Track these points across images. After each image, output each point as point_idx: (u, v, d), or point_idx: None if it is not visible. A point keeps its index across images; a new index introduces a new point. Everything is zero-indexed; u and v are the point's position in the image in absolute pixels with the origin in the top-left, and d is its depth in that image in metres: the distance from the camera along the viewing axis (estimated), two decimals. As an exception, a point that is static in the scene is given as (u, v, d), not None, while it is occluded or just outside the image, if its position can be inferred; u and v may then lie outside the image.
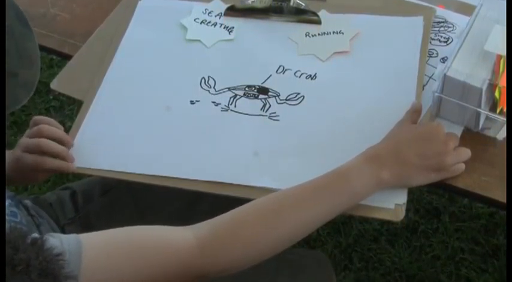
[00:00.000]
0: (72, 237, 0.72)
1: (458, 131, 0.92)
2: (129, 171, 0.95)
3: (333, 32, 1.09)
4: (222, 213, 0.81)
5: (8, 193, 0.93)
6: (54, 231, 1.02)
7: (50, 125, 1.00)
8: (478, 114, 0.90)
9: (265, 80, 1.04)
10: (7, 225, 0.60)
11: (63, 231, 1.04)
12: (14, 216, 0.88)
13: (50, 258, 0.58)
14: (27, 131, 1.00)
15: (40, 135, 0.97)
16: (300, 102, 1.01)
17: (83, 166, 0.97)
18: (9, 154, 0.99)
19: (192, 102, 1.03)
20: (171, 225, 0.80)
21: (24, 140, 0.98)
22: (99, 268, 0.72)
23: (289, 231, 0.81)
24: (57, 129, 0.99)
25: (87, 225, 1.07)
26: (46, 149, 0.96)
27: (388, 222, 1.63)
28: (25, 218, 0.92)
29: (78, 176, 1.04)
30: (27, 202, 1.02)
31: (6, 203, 0.87)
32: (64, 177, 1.82)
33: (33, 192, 1.82)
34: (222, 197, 0.91)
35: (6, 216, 0.85)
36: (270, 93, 1.02)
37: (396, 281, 1.58)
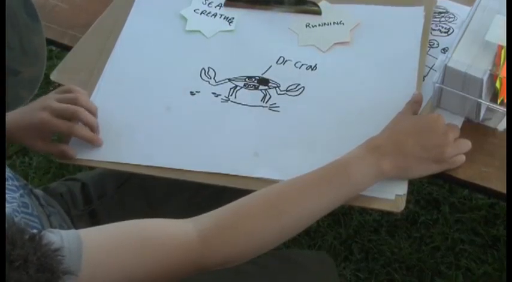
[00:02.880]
0: (72, 233, 0.72)
1: (459, 122, 0.92)
2: (129, 162, 0.95)
3: (334, 23, 1.08)
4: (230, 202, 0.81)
5: (20, 182, 0.92)
6: (65, 221, 1.01)
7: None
8: (479, 105, 0.89)
9: (266, 71, 1.04)
10: (13, 219, 0.60)
11: (72, 222, 1.04)
12: (25, 207, 0.87)
13: (48, 253, 0.58)
14: (52, 94, 0.98)
15: (76, 103, 0.96)
16: (301, 93, 1.00)
17: (83, 158, 0.97)
18: (29, 112, 0.95)
19: (192, 93, 1.03)
20: (182, 217, 0.79)
21: (55, 104, 0.95)
22: (100, 263, 0.72)
23: (291, 223, 0.81)
24: (92, 104, 0.99)
25: (96, 218, 1.07)
26: (82, 118, 0.96)
27: (388, 213, 1.62)
28: (36, 208, 0.92)
29: (78, 167, 1.04)
30: (38, 192, 1.01)
31: (17, 194, 0.87)
32: (64, 168, 1.82)
33: (33, 183, 1.82)
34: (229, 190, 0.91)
35: (18, 208, 0.85)
36: (270, 84, 1.02)
37: (396, 271, 1.58)
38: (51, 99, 0.97)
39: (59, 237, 0.70)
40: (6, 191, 0.85)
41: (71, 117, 0.96)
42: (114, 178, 1.11)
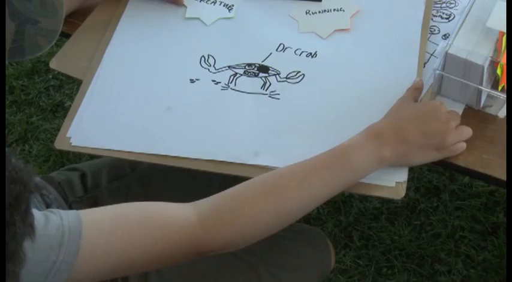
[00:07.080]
0: (71, 213, 0.72)
1: (459, 109, 0.91)
2: (129, 150, 0.95)
3: (334, 9, 1.08)
4: None
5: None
6: (62, 208, 1.02)
7: None
8: (480, 92, 0.89)
9: (266, 58, 1.03)
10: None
11: (71, 209, 1.04)
12: None
13: (19, 168, 0.57)
14: None
15: None
16: (301, 80, 1.00)
17: (82, 145, 0.97)
18: None
19: (191, 81, 1.02)
20: None
21: None
22: (100, 243, 0.72)
23: (290, 209, 0.81)
24: None
25: (95, 205, 1.07)
26: None
27: (389, 201, 1.64)
28: (36, 198, 0.92)
29: (78, 155, 1.04)
30: (37, 179, 1.01)
31: None
32: (64, 156, 1.82)
33: (33, 172, 1.81)
34: (231, 182, 0.91)
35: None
36: (270, 72, 1.02)
37: (396, 259, 1.59)
38: None
39: (58, 216, 0.70)
40: None
41: None
42: (109, 168, 1.10)
